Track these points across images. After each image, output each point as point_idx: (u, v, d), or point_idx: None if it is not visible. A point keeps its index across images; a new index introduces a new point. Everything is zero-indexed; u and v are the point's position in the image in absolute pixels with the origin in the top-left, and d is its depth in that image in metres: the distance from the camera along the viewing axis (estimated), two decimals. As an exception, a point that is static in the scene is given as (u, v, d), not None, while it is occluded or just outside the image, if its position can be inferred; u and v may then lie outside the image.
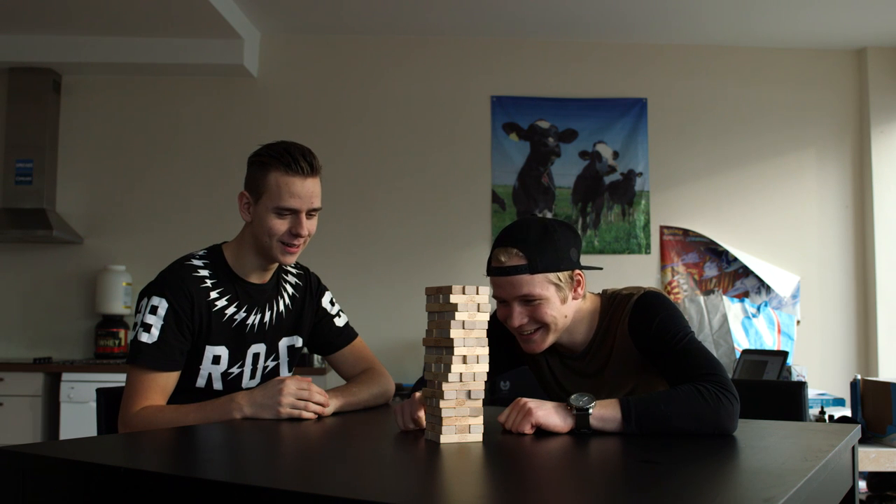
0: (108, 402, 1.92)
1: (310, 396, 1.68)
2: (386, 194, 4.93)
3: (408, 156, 4.96)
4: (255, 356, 1.88)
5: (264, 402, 1.66)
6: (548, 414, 1.46)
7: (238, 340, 1.84)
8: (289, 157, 1.75)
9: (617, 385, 1.74)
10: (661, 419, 1.47)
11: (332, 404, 1.75)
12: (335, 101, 4.98)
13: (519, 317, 1.65)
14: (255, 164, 1.82)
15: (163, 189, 4.90)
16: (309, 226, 1.80)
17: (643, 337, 1.67)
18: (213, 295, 1.81)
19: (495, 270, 1.65)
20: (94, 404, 2.00)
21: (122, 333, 4.66)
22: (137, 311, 1.77)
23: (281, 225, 1.77)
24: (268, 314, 1.89)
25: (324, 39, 5.02)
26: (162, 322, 1.73)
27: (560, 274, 1.64)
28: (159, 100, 4.96)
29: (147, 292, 1.78)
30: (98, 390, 1.96)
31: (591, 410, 1.46)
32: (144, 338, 1.72)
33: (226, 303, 1.82)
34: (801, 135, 5.04)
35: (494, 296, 1.68)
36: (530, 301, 1.63)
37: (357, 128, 4.97)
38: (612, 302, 1.76)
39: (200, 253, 1.86)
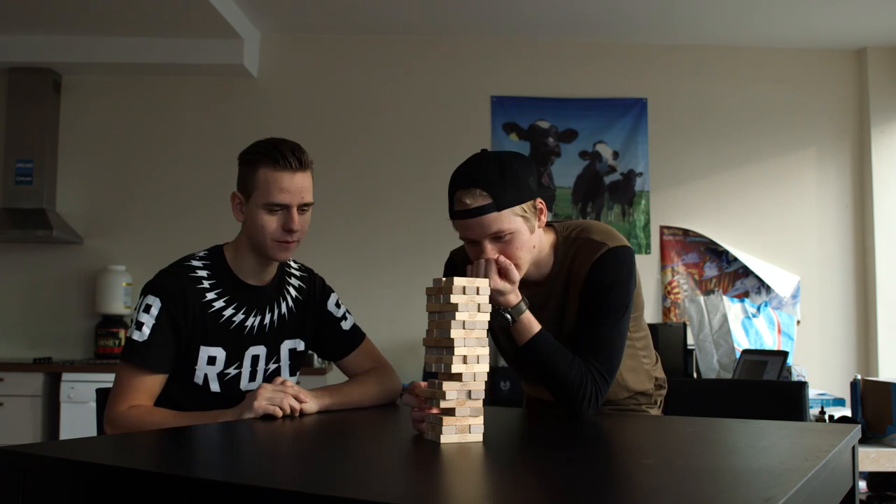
0: (108, 402, 1.92)
1: (284, 396, 1.69)
2: (386, 194, 4.93)
3: (408, 156, 4.95)
4: (255, 358, 1.87)
5: (244, 403, 1.68)
6: None
7: (236, 342, 1.83)
8: (276, 153, 1.74)
9: (553, 320, 1.78)
10: (543, 364, 1.66)
11: (317, 403, 1.75)
12: (335, 102, 4.98)
13: (493, 253, 1.64)
14: (244, 162, 1.81)
15: (163, 189, 4.90)
16: (301, 221, 1.79)
17: (592, 292, 1.72)
18: (210, 296, 1.80)
19: (462, 213, 1.62)
20: (94, 404, 2.00)
21: (122, 333, 4.67)
22: (136, 308, 1.80)
23: (272, 221, 1.76)
24: (268, 316, 1.88)
25: (324, 39, 5.02)
26: (154, 321, 1.74)
27: (524, 205, 1.64)
28: (159, 100, 4.96)
29: (144, 291, 1.79)
30: (98, 390, 1.96)
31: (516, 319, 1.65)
32: (136, 336, 1.73)
33: (223, 304, 1.82)
34: (801, 135, 5.04)
35: (463, 237, 1.68)
36: (501, 237, 1.63)
37: (357, 128, 4.97)
38: (570, 242, 1.77)
39: (201, 254, 1.86)
